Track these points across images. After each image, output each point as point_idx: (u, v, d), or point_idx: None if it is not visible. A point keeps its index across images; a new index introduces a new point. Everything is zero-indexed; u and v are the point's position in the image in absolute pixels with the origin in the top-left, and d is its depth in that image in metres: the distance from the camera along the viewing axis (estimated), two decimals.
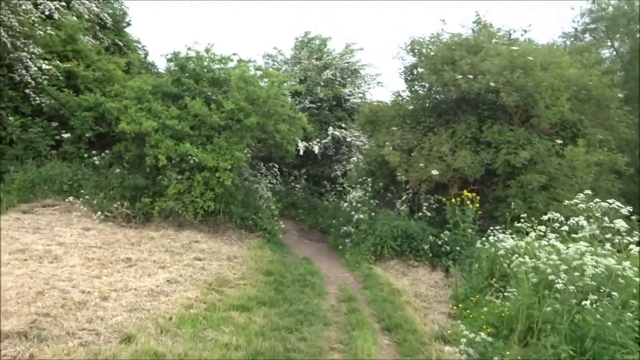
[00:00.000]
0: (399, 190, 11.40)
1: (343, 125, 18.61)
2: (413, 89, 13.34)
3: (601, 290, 4.90)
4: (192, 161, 10.64)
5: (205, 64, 11.82)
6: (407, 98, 13.30)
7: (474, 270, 7.89)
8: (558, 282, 4.87)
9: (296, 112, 12.52)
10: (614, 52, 21.10)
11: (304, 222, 16.28)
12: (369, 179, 11.88)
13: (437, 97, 11.98)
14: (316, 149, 17.49)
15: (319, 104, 18.56)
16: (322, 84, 18.52)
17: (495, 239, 8.14)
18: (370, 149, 13.20)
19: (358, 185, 12.17)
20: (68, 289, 5.74)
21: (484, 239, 8.65)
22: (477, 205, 10.14)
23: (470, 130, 10.99)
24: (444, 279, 9.65)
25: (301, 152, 17.18)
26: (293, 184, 18.09)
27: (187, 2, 48.78)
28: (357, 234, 11.18)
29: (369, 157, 13.05)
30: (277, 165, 16.58)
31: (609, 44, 20.78)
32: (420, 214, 10.85)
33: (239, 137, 11.30)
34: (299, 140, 17.39)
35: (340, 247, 11.59)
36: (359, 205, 11.46)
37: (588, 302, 4.72)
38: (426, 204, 10.97)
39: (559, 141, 10.02)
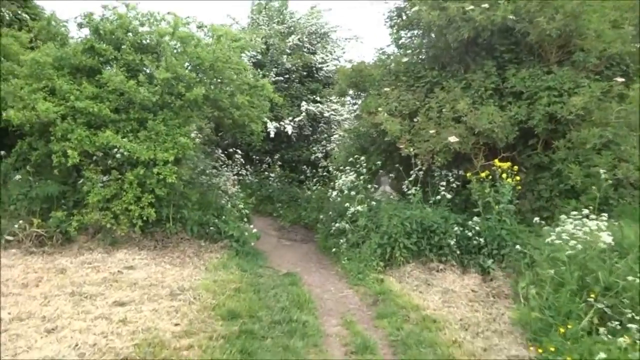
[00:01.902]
0: (404, 169, 8.59)
1: (318, 98, 15.71)
2: (400, 42, 10.46)
3: None
4: (118, 155, 7.64)
5: (130, 24, 8.73)
6: (397, 53, 10.44)
7: (546, 279, 5.15)
8: None
9: (257, 79, 9.53)
10: None
11: (284, 218, 13.40)
12: (362, 158, 9.03)
13: (440, 42, 9.14)
14: (289, 129, 14.60)
15: (286, 75, 15.58)
16: (288, 51, 15.52)
17: (566, 226, 5.43)
18: (358, 121, 10.30)
19: (348, 167, 9.33)
20: None
21: (547, 227, 5.96)
22: (517, 178, 7.43)
23: (490, 80, 8.22)
24: (483, 285, 6.96)
25: (272, 135, 14.35)
26: (267, 173, 15.16)
27: None
28: (354, 231, 8.36)
29: (357, 130, 10.18)
30: (240, 152, 13.56)
31: None
32: (438, 197, 8.07)
33: (182, 117, 8.31)
34: (268, 121, 14.55)
35: (334, 249, 8.78)
36: (352, 193, 8.61)
37: None
38: (444, 183, 8.18)
39: (619, 79, 7.32)
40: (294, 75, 15.60)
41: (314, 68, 16.10)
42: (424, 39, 9.87)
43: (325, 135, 15.67)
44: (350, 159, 9.23)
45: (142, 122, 8.07)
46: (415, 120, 8.61)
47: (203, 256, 7.88)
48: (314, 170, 14.94)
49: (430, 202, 8.15)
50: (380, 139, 9.09)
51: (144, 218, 7.57)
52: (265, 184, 14.72)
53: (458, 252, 7.50)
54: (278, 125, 14.59)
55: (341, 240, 8.62)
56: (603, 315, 4.44)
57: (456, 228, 7.55)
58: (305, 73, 15.85)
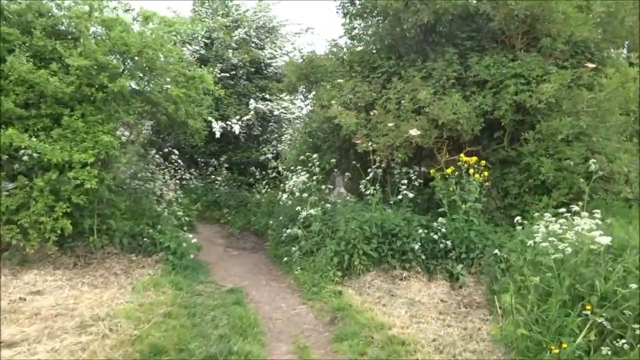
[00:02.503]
0: (360, 167, 7.77)
1: (267, 96, 14.74)
2: (354, 33, 9.68)
3: None
4: (25, 158, 6.42)
5: (43, 6, 7.50)
6: (350, 44, 9.65)
7: (529, 287, 4.41)
8: None
9: (194, 68, 8.45)
10: None
11: (232, 224, 12.35)
12: (314, 156, 8.14)
13: (396, 29, 8.42)
14: (237, 129, 13.54)
15: (233, 72, 14.52)
16: (234, 46, 14.47)
17: (551, 225, 4.74)
18: (310, 116, 9.42)
19: (299, 168, 8.43)
20: None
21: (520, 227, 5.30)
22: (485, 173, 6.76)
23: (452, 68, 7.54)
24: (452, 293, 6.23)
25: (217, 135, 13.27)
26: (213, 176, 14.02)
27: None
28: (308, 237, 7.47)
29: (309, 126, 9.29)
30: (177, 153, 12.43)
31: None
32: (399, 197, 7.30)
33: (106, 112, 7.15)
34: (213, 120, 13.46)
35: (285, 258, 7.85)
36: (304, 195, 7.71)
37: None
38: (405, 182, 7.43)
39: (590, 65, 6.78)
40: (241, 72, 14.57)
41: (262, 64, 15.12)
42: (378, 27, 9.11)
43: (276, 135, 14.71)
44: (302, 157, 8.33)
45: (57, 118, 6.87)
46: (372, 113, 7.83)
47: (132, 273, 6.76)
48: (264, 173, 13.96)
49: (391, 202, 7.37)
50: (335, 135, 8.27)
51: (58, 231, 6.38)
52: (212, 188, 13.60)
53: (423, 257, 6.74)
54: (224, 125, 13.52)
55: (293, 248, 7.71)
56: (602, 330, 3.74)
57: (420, 231, 6.79)
58: (253, 69, 14.84)
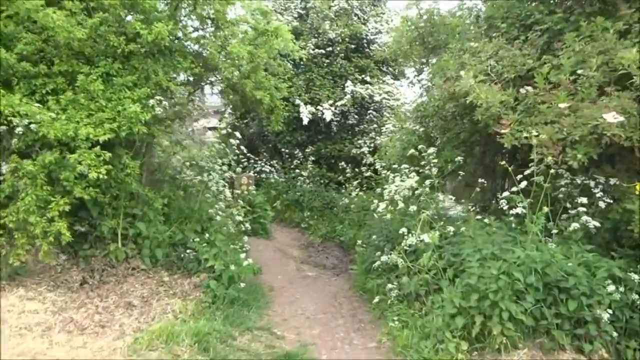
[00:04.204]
0: (500, 172, 5.03)
1: (367, 78, 12.27)
2: None
3: None
4: (19, 130, 4.55)
5: None
6: None
7: None
8: None
9: (269, 20, 6.10)
10: None
11: (314, 231, 10.11)
12: (429, 151, 5.49)
13: None
14: (328, 116, 11.25)
15: (329, 48, 12.22)
16: (331, 16, 12.16)
17: None
18: (426, 95, 6.70)
19: (405, 166, 5.86)
20: None
21: None
22: None
23: None
24: None
25: (305, 122, 11.07)
26: (298, 170, 11.83)
27: None
28: (413, 273, 4.90)
29: (422, 108, 6.61)
30: (239, 137, 10.33)
31: None
32: (572, 225, 4.40)
33: (142, 73, 5.12)
34: (301, 103, 11.28)
35: (377, 298, 5.31)
36: (412, 208, 5.11)
37: None
38: (582, 200, 4.53)
39: None
40: (338, 48, 12.21)
41: (364, 40, 12.66)
42: None
43: (375, 125, 12.18)
44: (411, 151, 5.72)
45: (74, 78, 4.95)
46: (524, 89, 5.02)
47: (154, 305, 4.68)
48: (357, 170, 11.51)
49: (553, 232, 4.54)
50: (462, 120, 5.58)
51: (52, 238, 4.43)
52: (295, 184, 11.43)
53: (614, 334, 3.89)
54: (314, 111, 11.29)
55: (390, 285, 5.16)
56: None
57: (611, 287, 3.94)
58: (353, 46, 12.43)
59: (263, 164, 11.89)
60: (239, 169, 9.20)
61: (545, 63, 4.97)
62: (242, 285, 5.14)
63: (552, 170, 4.34)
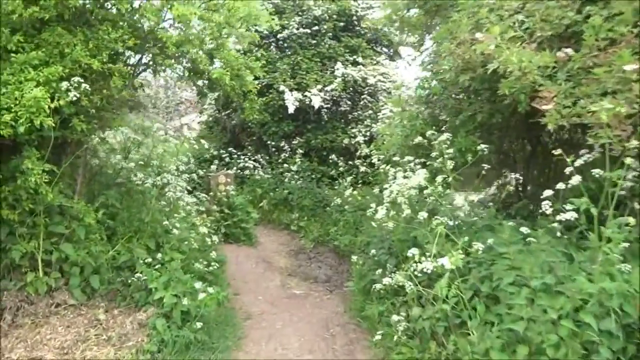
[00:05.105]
0: (539, 162, 3.76)
1: (360, 59, 10.96)
2: None
3: None
4: None
5: None
6: None
7: None
8: None
9: None
10: None
11: (306, 234, 8.87)
12: (442, 138, 4.20)
13: None
14: (316, 102, 9.95)
15: (315, 27, 10.89)
16: None
17: None
18: (430, 68, 5.36)
19: (409, 159, 4.59)
20: None
21: None
22: None
23: None
24: None
25: (291, 110, 9.82)
26: (286, 165, 10.55)
27: None
28: (426, 301, 3.65)
29: (427, 84, 5.30)
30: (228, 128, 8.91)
31: None
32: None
33: (58, 46, 3.83)
34: (286, 90, 10.01)
35: (380, 334, 4.05)
36: (421, 215, 3.85)
37: None
38: None
39: None
40: (325, 27, 10.88)
41: (354, 17, 11.32)
42: None
43: (370, 111, 10.88)
44: (418, 139, 4.43)
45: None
46: (565, 51, 3.73)
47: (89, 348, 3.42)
48: (350, 163, 10.25)
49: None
50: (480, 97, 4.31)
51: None
52: (282, 181, 10.16)
53: None
54: (301, 97, 9.99)
55: (396, 317, 3.90)
56: None
57: None
58: (341, 24, 11.09)
59: (247, 159, 10.62)
60: (213, 167, 7.95)
61: (591, 15, 3.70)
62: (199, 325, 3.87)
63: (620, 160, 3.07)
